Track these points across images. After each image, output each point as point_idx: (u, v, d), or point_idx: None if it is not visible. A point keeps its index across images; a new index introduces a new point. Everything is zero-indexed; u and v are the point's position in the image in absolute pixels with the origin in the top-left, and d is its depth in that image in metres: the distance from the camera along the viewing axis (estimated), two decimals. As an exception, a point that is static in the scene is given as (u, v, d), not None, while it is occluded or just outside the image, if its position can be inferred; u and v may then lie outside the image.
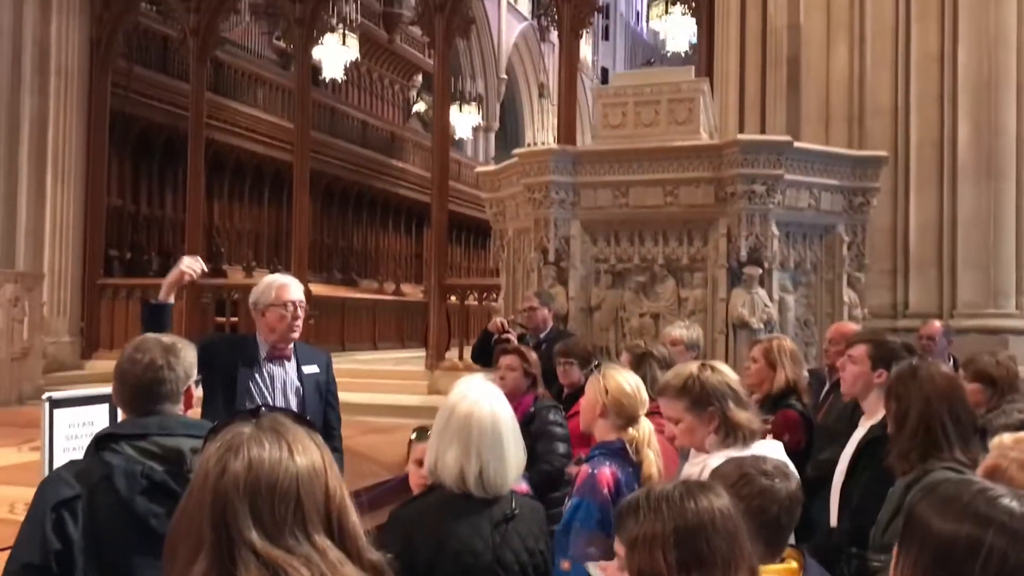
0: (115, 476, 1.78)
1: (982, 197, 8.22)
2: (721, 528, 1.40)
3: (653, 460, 2.77)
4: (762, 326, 5.89)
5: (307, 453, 1.21)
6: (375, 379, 11.65)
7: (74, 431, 3.28)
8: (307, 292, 12.58)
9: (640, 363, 3.65)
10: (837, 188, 6.43)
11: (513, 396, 4.09)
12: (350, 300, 16.06)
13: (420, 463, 2.18)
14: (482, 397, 2.13)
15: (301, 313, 3.49)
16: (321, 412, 3.53)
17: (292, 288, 3.52)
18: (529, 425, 3.94)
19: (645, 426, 2.85)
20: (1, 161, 12.27)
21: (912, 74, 8.50)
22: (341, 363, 13.06)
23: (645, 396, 2.92)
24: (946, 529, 1.10)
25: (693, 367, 2.53)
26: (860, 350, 3.24)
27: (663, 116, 6.37)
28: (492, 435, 2.06)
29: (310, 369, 3.57)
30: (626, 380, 2.90)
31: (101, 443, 1.86)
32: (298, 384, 3.51)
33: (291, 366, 3.52)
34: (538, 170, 6.40)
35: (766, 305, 6.01)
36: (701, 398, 2.43)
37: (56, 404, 3.24)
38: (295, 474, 1.19)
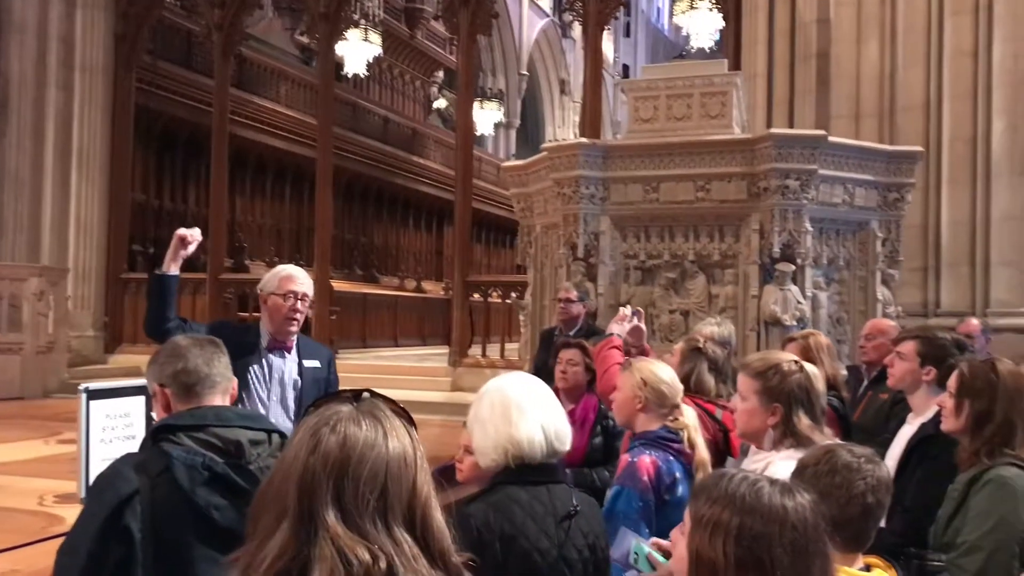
0: (175, 468, 1.74)
1: (1016, 194, 8.11)
2: (789, 540, 1.29)
3: (703, 446, 2.72)
4: (795, 323, 5.80)
5: (401, 441, 1.18)
6: (398, 375, 11.65)
7: (111, 422, 3.26)
8: (328, 287, 12.69)
9: (691, 356, 3.57)
10: (871, 184, 6.33)
11: (574, 391, 4.03)
12: (371, 296, 16.04)
13: (469, 450, 2.14)
14: (525, 377, 2.20)
15: (301, 306, 3.37)
16: None
17: (297, 279, 3.40)
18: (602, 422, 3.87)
19: (689, 413, 2.80)
20: (27, 156, 12.35)
21: (945, 69, 8.39)
22: (363, 359, 13.18)
23: (680, 384, 2.87)
24: None
25: (785, 357, 2.43)
26: (909, 346, 3.16)
27: (695, 110, 6.29)
28: (545, 397, 2.10)
29: (311, 363, 3.47)
30: (661, 369, 2.86)
31: (159, 434, 1.81)
32: (296, 377, 3.41)
33: (292, 358, 3.43)
34: (567, 164, 6.33)
35: (799, 302, 5.92)
36: (772, 390, 2.35)
37: (93, 395, 3.22)
38: (385, 460, 1.16)
